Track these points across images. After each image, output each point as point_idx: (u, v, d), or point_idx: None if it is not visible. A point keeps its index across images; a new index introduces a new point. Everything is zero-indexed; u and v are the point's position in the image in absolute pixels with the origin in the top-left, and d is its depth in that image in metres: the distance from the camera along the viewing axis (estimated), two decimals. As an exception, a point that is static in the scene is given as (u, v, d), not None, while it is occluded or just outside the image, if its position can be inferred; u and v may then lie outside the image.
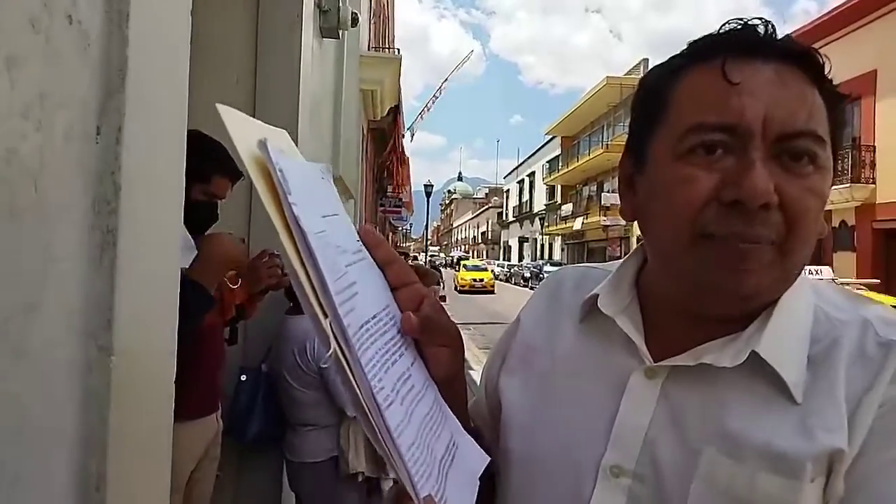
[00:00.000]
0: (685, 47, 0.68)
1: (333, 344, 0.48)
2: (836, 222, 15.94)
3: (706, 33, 0.66)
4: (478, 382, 0.91)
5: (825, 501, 0.59)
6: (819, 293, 0.70)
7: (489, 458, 0.66)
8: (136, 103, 0.85)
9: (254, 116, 1.86)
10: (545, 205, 45.19)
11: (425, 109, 18.15)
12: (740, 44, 0.63)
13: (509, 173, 63.23)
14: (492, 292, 28.42)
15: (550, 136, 43.71)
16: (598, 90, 31.92)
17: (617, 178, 0.77)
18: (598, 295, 0.74)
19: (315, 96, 3.30)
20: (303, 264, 0.48)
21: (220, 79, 1.99)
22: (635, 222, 0.72)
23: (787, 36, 0.64)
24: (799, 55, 0.63)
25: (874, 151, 14.93)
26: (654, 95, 0.68)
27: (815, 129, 0.61)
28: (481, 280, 29.05)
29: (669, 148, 0.64)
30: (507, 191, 62.69)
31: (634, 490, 0.65)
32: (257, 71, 2.54)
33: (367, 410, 0.49)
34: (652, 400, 0.66)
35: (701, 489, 0.61)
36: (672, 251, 0.65)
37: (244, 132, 0.49)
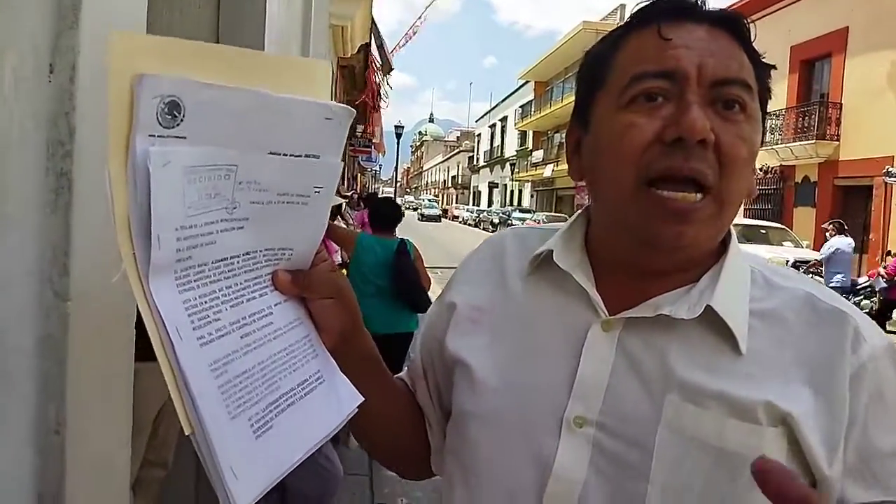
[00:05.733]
0: (625, 21, 0.73)
1: (127, 268, 0.51)
2: (798, 178, 16.23)
3: (643, 4, 0.71)
4: None
5: (795, 453, 0.63)
6: (753, 257, 0.75)
7: (362, 399, 0.70)
8: (91, 40, 0.82)
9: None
10: (516, 151, 44.96)
11: (397, 47, 17.50)
12: (673, 9, 0.68)
13: (481, 117, 62.53)
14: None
15: (524, 81, 43.20)
16: (573, 35, 31.44)
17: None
18: (551, 250, 0.76)
19: (282, 30, 3.19)
20: (126, 194, 0.49)
21: (180, 12, 1.91)
22: None
23: (716, 7, 0.70)
24: (727, 20, 0.68)
25: (840, 109, 15.12)
26: (597, 63, 0.73)
27: (745, 78, 0.67)
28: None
29: (613, 101, 0.69)
30: (479, 135, 62.05)
31: (599, 439, 0.66)
32: (221, 3, 2.44)
33: (160, 338, 0.52)
34: (610, 351, 0.69)
35: (667, 436, 0.64)
36: (617, 202, 0.69)
37: (141, 59, 0.47)
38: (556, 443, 0.68)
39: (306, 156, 0.61)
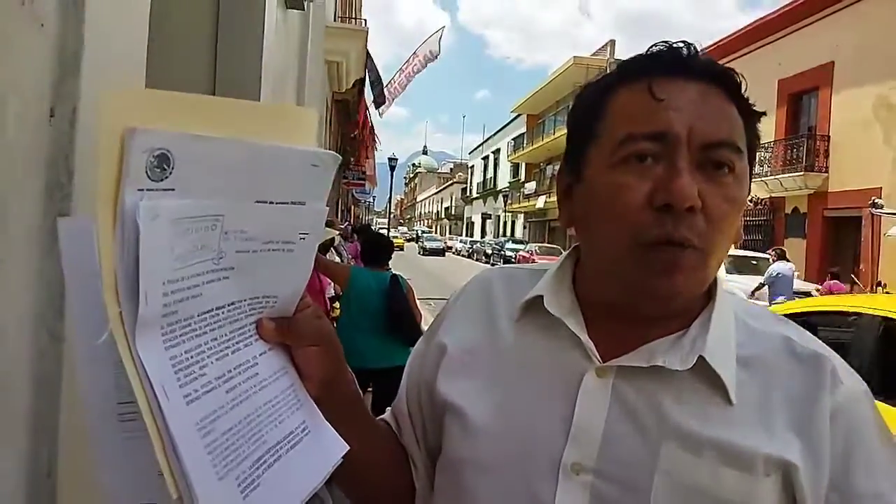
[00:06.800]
0: (615, 68, 0.75)
1: (113, 329, 0.48)
2: (788, 209, 16.37)
3: (635, 55, 0.73)
4: None
5: (787, 499, 0.65)
6: (734, 301, 0.77)
7: (347, 447, 0.68)
8: (91, 85, 0.83)
9: (214, 90, 1.83)
10: (509, 182, 45.24)
11: (395, 87, 17.24)
12: (665, 64, 0.69)
13: (474, 149, 63.04)
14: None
15: (516, 114, 43.71)
16: (564, 70, 31.93)
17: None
18: (540, 295, 0.76)
19: (278, 69, 3.24)
20: (112, 250, 0.48)
21: (178, 51, 1.94)
22: None
23: (709, 57, 0.71)
24: (718, 75, 0.69)
25: (828, 141, 15.32)
26: (589, 111, 0.74)
27: (734, 140, 0.68)
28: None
29: (605, 158, 0.70)
30: (472, 167, 62.47)
31: (596, 486, 0.67)
32: (218, 43, 2.48)
33: (147, 398, 0.50)
34: (605, 398, 0.69)
35: (664, 483, 0.65)
36: (610, 257, 0.70)
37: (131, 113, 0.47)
38: (553, 489, 0.68)
39: (292, 202, 0.60)
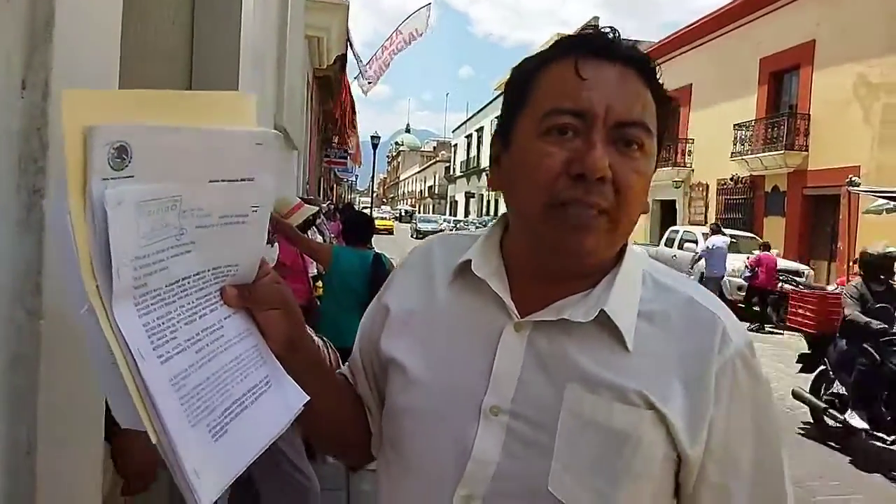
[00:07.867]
0: (548, 47, 0.82)
1: (92, 302, 0.55)
2: (768, 187, 16.54)
3: (566, 35, 0.82)
4: None
5: (668, 433, 0.75)
6: (648, 261, 0.87)
7: (307, 398, 0.77)
8: (64, 56, 0.81)
9: (191, 64, 1.79)
10: (492, 161, 45.08)
11: (380, 65, 16.79)
12: (591, 45, 0.78)
13: (458, 127, 62.72)
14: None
15: (500, 92, 43.45)
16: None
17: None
18: (470, 260, 0.85)
19: (257, 43, 3.18)
20: (86, 234, 0.54)
21: (154, 26, 1.89)
22: None
23: (630, 44, 0.80)
24: (637, 60, 0.78)
25: (808, 120, 15.46)
26: (520, 85, 0.82)
27: (645, 121, 0.77)
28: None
29: (531, 128, 0.78)
30: (455, 145, 62.21)
31: (511, 425, 0.77)
32: (195, 14, 2.43)
33: (125, 360, 0.57)
34: (521, 349, 0.80)
35: (567, 419, 0.76)
36: (530, 216, 0.78)
37: (91, 111, 0.53)
38: (475, 430, 0.78)
39: (242, 179, 0.67)
